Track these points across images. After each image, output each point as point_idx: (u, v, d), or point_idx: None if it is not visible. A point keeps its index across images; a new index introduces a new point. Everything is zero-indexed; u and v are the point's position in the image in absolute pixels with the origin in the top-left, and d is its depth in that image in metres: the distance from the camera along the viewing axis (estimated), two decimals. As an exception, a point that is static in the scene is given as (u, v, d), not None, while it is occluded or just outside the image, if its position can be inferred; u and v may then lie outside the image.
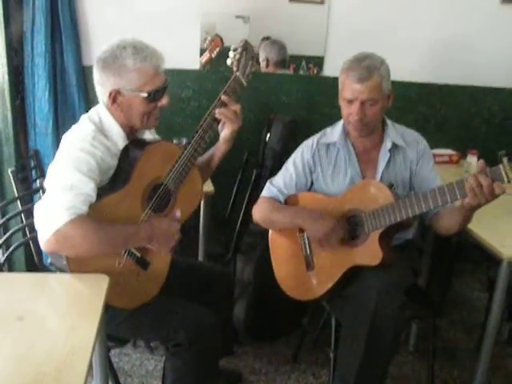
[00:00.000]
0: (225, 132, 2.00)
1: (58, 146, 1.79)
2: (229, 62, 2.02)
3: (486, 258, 2.34)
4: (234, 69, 2.00)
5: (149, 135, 1.98)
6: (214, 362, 2.07)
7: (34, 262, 2.34)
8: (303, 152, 2.24)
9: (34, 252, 2.31)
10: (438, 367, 2.64)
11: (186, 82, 3.22)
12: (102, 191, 1.73)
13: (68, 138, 1.77)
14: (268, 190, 2.27)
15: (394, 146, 2.14)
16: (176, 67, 3.13)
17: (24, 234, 2.38)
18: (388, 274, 1.97)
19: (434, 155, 3.12)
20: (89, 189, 1.66)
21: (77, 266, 1.68)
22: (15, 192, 2.47)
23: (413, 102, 3.44)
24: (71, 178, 1.65)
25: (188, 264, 2.23)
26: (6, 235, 2.20)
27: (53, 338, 1.34)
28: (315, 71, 3.35)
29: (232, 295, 2.44)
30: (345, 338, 2.06)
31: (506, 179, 1.68)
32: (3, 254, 2.21)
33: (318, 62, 3.35)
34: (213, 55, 3.17)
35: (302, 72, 3.36)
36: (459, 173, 2.94)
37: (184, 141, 1.95)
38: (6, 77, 2.85)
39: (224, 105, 1.95)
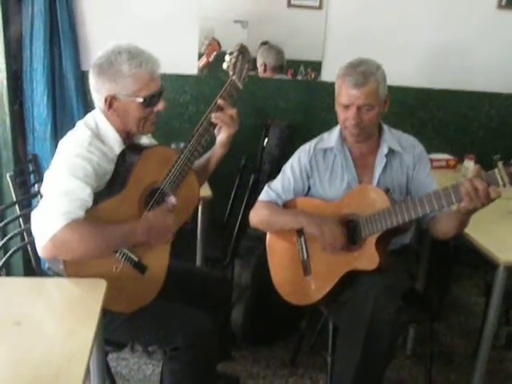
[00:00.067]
0: (221, 136, 2.01)
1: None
2: (225, 65, 2.02)
3: (484, 263, 2.34)
4: (230, 73, 2.00)
5: (145, 140, 1.99)
6: (212, 366, 2.07)
7: (32, 266, 2.33)
8: (300, 157, 2.25)
9: (31, 256, 2.30)
10: (435, 371, 2.64)
11: (184, 87, 3.23)
12: (99, 196, 1.74)
13: (64, 143, 1.78)
14: (266, 194, 2.28)
15: (391, 151, 2.15)
16: (174, 72, 3.15)
17: (22, 239, 2.38)
18: (385, 278, 1.98)
19: (431, 160, 3.14)
20: (85, 194, 1.67)
21: (74, 270, 1.69)
22: (13, 196, 2.47)
23: (410, 106, 3.46)
24: (67, 183, 1.66)
25: (185, 268, 2.23)
26: (4, 239, 2.20)
27: (50, 342, 1.35)
28: (313, 76, 3.36)
29: (230, 300, 2.44)
30: (342, 343, 2.06)
31: (501, 183, 1.69)
32: (1, 258, 2.20)
33: (316, 66, 3.36)
34: (210, 59, 3.18)
35: (300, 77, 3.37)
36: (456, 177, 2.94)
37: (182, 145, 1.95)
38: (5, 82, 2.85)
39: (220, 109, 1.95)
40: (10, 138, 2.93)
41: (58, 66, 2.98)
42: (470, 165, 3.08)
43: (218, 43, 3.17)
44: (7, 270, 2.88)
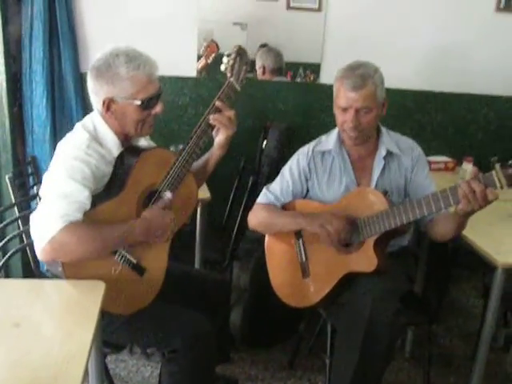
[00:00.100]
0: (219, 138, 2.01)
1: (55, 153, 1.80)
2: (223, 67, 2.03)
3: (482, 265, 2.34)
4: (228, 74, 2.00)
5: (144, 142, 1.98)
6: (211, 369, 2.07)
7: (31, 268, 2.34)
8: (299, 159, 2.25)
9: (30, 258, 2.31)
10: (433, 374, 2.64)
11: (183, 90, 3.23)
12: (98, 199, 1.74)
13: (62, 146, 1.78)
14: (265, 196, 2.28)
15: (389, 154, 2.15)
16: (173, 74, 3.16)
17: (21, 240, 2.38)
18: (383, 280, 1.98)
19: (430, 162, 3.15)
20: (83, 197, 1.67)
21: (73, 273, 1.69)
22: (12, 198, 2.48)
23: (409, 109, 3.46)
24: (66, 186, 1.66)
25: (184, 271, 2.23)
26: (3, 241, 2.20)
27: (49, 344, 1.35)
28: (312, 78, 3.37)
29: (228, 302, 2.44)
30: (340, 345, 2.06)
31: (498, 185, 1.69)
32: (0, 260, 2.21)
33: (315, 69, 3.36)
34: (209, 61, 3.19)
35: (299, 79, 3.38)
36: (455, 180, 2.94)
37: (180, 148, 1.95)
38: (4, 84, 2.86)
39: (218, 111, 1.95)
40: (9, 139, 2.93)
41: (58, 67, 2.99)
42: (468, 167, 3.08)
43: (217, 45, 3.17)
44: (6, 272, 2.88)
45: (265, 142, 3.16)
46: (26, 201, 2.59)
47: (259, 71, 3.31)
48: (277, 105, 3.35)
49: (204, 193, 2.58)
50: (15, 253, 2.20)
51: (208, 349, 1.92)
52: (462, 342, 3.05)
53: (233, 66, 2.00)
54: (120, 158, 1.84)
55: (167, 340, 1.88)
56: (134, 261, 1.83)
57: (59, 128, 3.01)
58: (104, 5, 3.05)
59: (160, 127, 3.02)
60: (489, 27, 3.38)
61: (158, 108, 1.84)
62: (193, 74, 3.23)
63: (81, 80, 3.00)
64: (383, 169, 2.15)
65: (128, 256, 1.81)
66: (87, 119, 1.86)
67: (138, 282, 1.85)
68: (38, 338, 1.38)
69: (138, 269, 1.85)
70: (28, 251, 2.26)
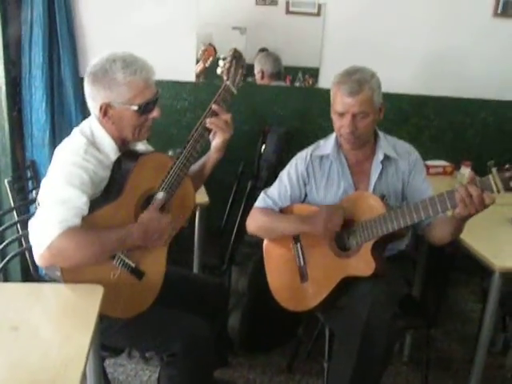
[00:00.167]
0: (216, 141, 2.01)
1: (54, 157, 1.80)
2: (219, 71, 2.03)
3: (479, 269, 2.35)
4: (224, 78, 2.00)
5: (141, 146, 1.99)
6: (209, 373, 2.08)
7: (30, 271, 2.35)
8: (297, 164, 2.26)
9: (29, 262, 2.31)
10: (432, 378, 2.64)
11: (182, 94, 3.24)
12: (96, 203, 1.74)
13: (60, 151, 1.78)
14: (263, 200, 2.29)
15: (386, 158, 2.16)
16: (172, 79, 3.17)
17: (20, 244, 2.38)
18: (381, 284, 1.98)
19: (428, 167, 3.17)
20: (81, 202, 1.67)
21: (71, 277, 1.69)
22: (11, 202, 2.49)
23: (407, 113, 3.47)
24: (64, 192, 1.66)
25: (182, 275, 2.23)
26: (2, 245, 2.21)
27: (47, 347, 1.36)
28: (311, 82, 3.38)
29: (226, 306, 2.45)
30: (338, 349, 2.07)
31: (495, 189, 1.70)
32: (-1, 263, 2.22)
33: (314, 73, 3.37)
34: (206, 64, 3.19)
35: (298, 83, 3.39)
36: (453, 184, 2.95)
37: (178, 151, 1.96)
38: (4, 88, 2.87)
39: (215, 114, 1.95)
40: (9, 143, 2.94)
41: (57, 72, 3.00)
42: (466, 171, 3.08)
43: (214, 48, 3.18)
44: (5, 276, 2.88)
45: (263, 147, 3.17)
46: (25, 205, 2.60)
47: (258, 76, 3.32)
48: (275, 109, 3.36)
49: (203, 197, 2.59)
50: (14, 257, 2.21)
51: (206, 353, 1.92)
52: (460, 346, 3.05)
53: (229, 70, 2.00)
54: (117, 163, 1.84)
55: (166, 344, 1.88)
56: (133, 265, 1.83)
57: (58, 132, 3.02)
58: (103, 10, 3.06)
59: (159, 131, 3.01)
60: (486, 32, 3.39)
61: (155, 113, 1.84)
62: (191, 78, 3.24)
63: (80, 85, 2.98)
64: (381, 173, 2.16)
65: (126, 260, 1.81)
66: (84, 124, 1.86)
67: (137, 286, 1.86)
68: (37, 341, 1.39)
69: (137, 273, 1.85)
70: (27, 255, 2.26)
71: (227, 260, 2.92)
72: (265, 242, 2.33)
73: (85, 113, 3.01)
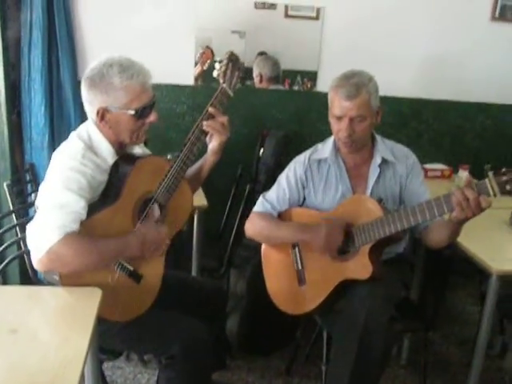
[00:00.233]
0: (213, 144, 2.01)
1: (53, 161, 1.80)
2: (215, 73, 2.03)
3: (478, 272, 2.36)
4: (221, 81, 2.00)
5: (138, 150, 1.98)
6: (207, 375, 2.07)
7: (29, 274, 2.35)
8: (295, 168, 2.26)
9: (28, 265, 2.32)
10: (430, 381, 2.65)
11: (181, 98, 3.25)
12: (93, 207, 1.74)
13: (58, 156, 1.78)
14: (262, 205, 2.29)
15: (384, 161, 2.17)
16: (171, 82, 3.18)
17: (19, 247, 2.39)
18: (378, 287, 1.99)
19: (427, 170, 3.18)
20: (79, 207, 1.67)
21: (69, 281, 1.69)
22: (10, 205, 2.49)
23: (405, 117, 3.49)
24: (62, 197, 1.66)
25: (181, 278, 2.24)
26: (1, 248, 2.21)
27: (45, 349, 1.36)
28: (309, 86, 3.39)
29: (225, 309, 2.44)
30: (335, 352, 2.07)
31: (491, 192, 1.70)
32: (-2, 266, 2.22)
33: (313, 76, 3.39)
34: (204, 67, 3.20)
35: (297, 87, 3.40)
36: (451, 187, 2.92)
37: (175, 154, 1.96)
38: (3, 91, 2.87)
39: (211, 117, 1.95)
40: (8, 147, 2.94)
41: (56, 75, 3.00)
42: (464, 175, 3.10)
43: (212, 51, 3.19)
44: (3, 279, 2.87)
45: (262, 150, 3.18)
46: (24, 208, 2.60)
47: (256, 79, 3.33)
48: (274, 113, 3.37)
49: (201, 200, 2.60)
50: (13, 260, 2.21)
51: (205, 355, 1.92)
52: (458, 349, 3.05)
53: (225, 72, 2.00)
54: (115, 167, 1.84)
55: (164, 346, 1.88)
56: (131, 268, 1.84)
57: (57, 135, 3.03)
58: (103, 13, 3.07)
59: (158, 135, 3.03)
60: (484, 36, 3.41)
61: (152, 117, 1.84)
62: (190, 81, 3.25)
63: (79, 88, 2.97)
64: (378, 176, 2.17)
65: (125, 264, 1.81)
66: (82, 128, 1.86)
67: (135, 290, 1.86)
68: (35, 343, 1.39)
69: (135, 276, 1.86)
70: (25, 258, 2.27)
71: (226, 263, 2.93)
72: (263, 246, 2.34)
73: (84, 116, 2.96)
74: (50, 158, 1.80)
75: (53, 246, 1.60)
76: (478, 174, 1.90)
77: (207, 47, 3.19)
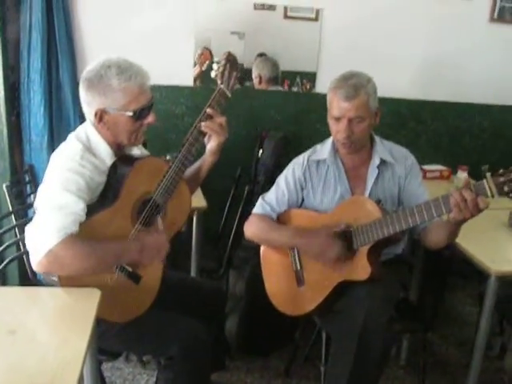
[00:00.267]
0: (211, 144, 2.01)
1: (52, 162, 1.80)
2: (213, 74, 2.04)
3: (477, 273, 2.36)
4: (219, 81, 2.00)
5: (136, 151, 1.98)
6: (206, 376, 2.07)
7: (28, 276, 2.35)
8: (294, 169, 2.27)
9: (27, 266, 2.32)
10: (428, 382, 2.65)
11: (180, 99, 3.25)
12: (92, 208, 1.74)
13: (56, 157, 1.78)
14: (261, 206, 2.29)
15: (383, 162, 2.17)
16: (170, 84, 3.18)
17: (18, 248, 2.39)
18: (377, 288, 1.99)
19: (425, 171, 3.19)
20: (78, 208, 1.67)
21: (68, 282, 1.69)
22: (9, 206, 2.49)
23: (404, 118, 3.49)
24: (60, 198, 1.66)
25: (180, 279, 2.24)
26: (0, 249, 2.21)
27: (44, 351, 1.36)
28: (308, 87, 3.39)
29: (224, 310, 2.45)
30: (334, 352, 2.07)
31: (489, 193, 1.71)
32: (-3, 267, 2.22)
33: (312, 78, 3.39)
34: (203, 68, 3.20)
35: (296, 88, 3.40)
36: (449, 188, 2.92)
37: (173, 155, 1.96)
38: (2, 93, 2.87)
39: (209, 117, 1.95)
40: (7, 148, 2.94)
41: (55, 77, 3.00)
42: (463, 176, 3.11)
43: (210, 52, 3.19)
44: (2, 280, 2.89)
45: (261, 151, 3.18)
46: (23, 209, 2.60)
47: (255, 80, 3.33)
48: (273, 114, 3.37)
49: (200, 201, 2.60)
50: (12, 261, 2.21)
51: (204, 356, 1.92)
52: (457, 350, 3.05)
53: (223, 73, 2.01)
54: (113, 168, 1.83)
55: (163, 347, 1.88)
56: (130, 269, 1.83)
57: (57, 137, 3.02)
58: (102, 15, 3.07)
59: (157, 136, 3.04)
60: (483, 37, 3.42)
61: (151, 118, 1.84)
62: (189, 83, 3.25)
63: (78, 89, 3.01)
64: (377, 177, 2.17)
65: (124, 264, 1.81)
66: (80, 130, 1.86)
67: (134, 290, 1.86)
68: (34, 344, 1.39)
69: (134, 277, 1.86)
70: (25, 259, 2.27)
71: (225, 264, 2.93)
72: (262, 247, 2.34)
73: (83, 117, 2.99)
74: (49, 160, 1.80)
75: (52, 248, 1.59)
76: (476, 174, 1.90)
77: (205, 48, 3.19)
